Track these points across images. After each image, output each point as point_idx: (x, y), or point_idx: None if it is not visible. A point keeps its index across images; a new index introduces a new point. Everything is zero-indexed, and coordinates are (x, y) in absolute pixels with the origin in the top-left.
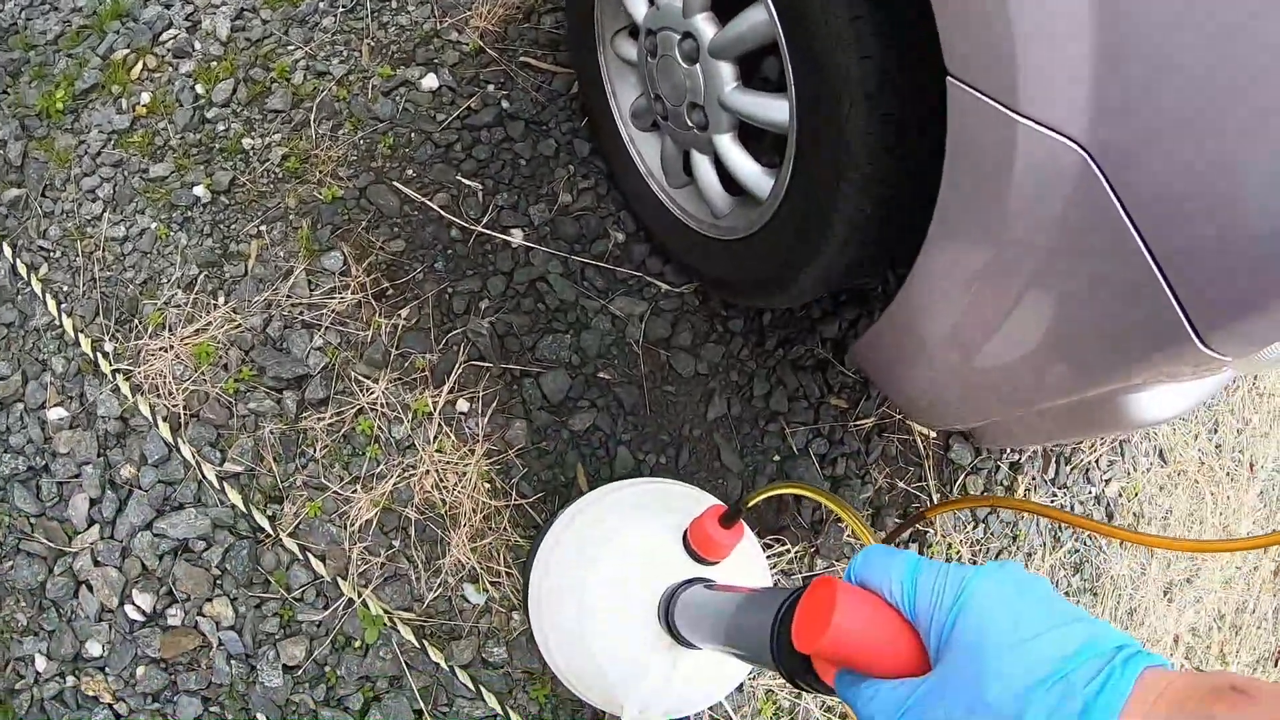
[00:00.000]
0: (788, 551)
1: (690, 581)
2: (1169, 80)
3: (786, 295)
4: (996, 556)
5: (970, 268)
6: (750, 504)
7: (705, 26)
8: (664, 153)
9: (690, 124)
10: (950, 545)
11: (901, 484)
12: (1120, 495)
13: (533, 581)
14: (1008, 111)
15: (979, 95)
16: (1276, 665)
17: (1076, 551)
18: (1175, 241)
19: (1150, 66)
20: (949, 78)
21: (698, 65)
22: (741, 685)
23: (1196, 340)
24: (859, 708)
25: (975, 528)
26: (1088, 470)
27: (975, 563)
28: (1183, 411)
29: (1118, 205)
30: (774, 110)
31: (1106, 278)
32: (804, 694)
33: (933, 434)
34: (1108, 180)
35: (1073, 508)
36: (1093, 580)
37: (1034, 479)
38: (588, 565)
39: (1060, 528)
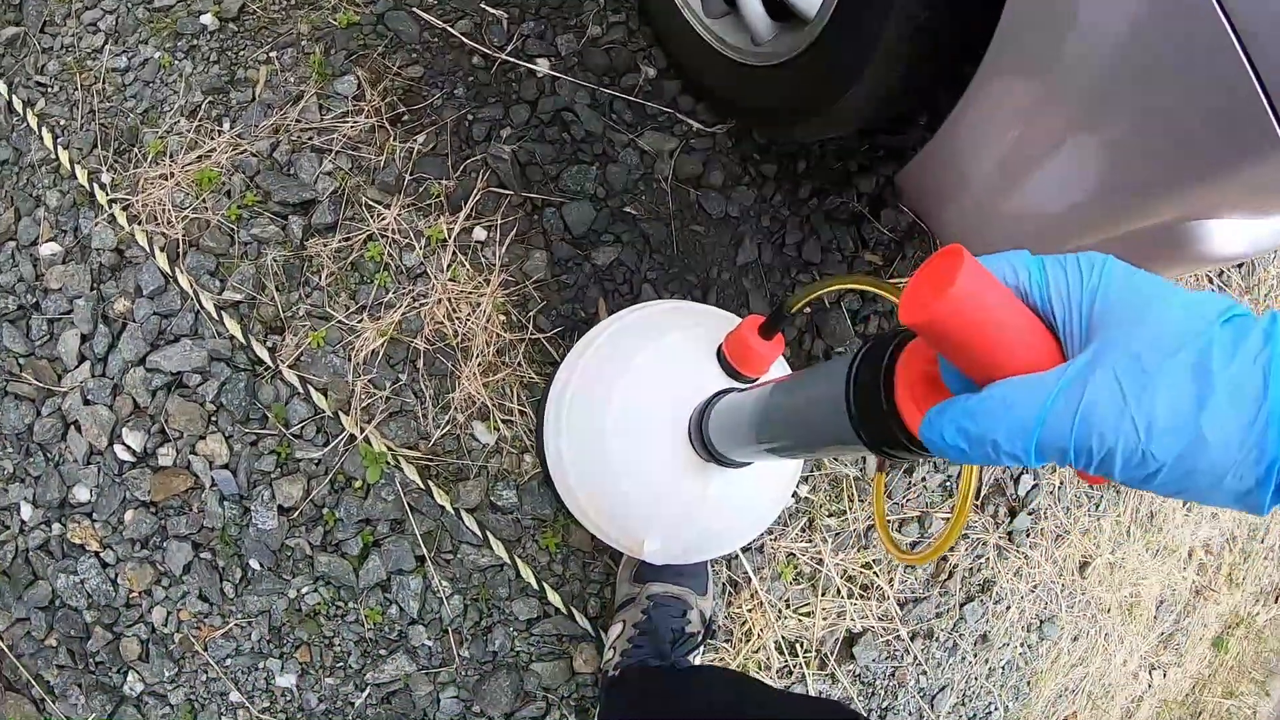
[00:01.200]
0: None
1: (723, 393)
2: None
3: (827, 122)
4: None
5: (1036, 78)
6: (796, 307)
7: None
8: None
9: None
10: None
11: None
12: None
13: (550, 405)
14: None
15: None
16: (1277, 601)
17: None
18: (1275, 34)
19: None
20: None
21: None
22: (762, 546)
23: None
24: (978, 422)
25: None
26: None
27: None
28: (1251, 251)
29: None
30: None
31: (1189, 78)
32: (824, 563)
33: None
34: None
35: None
36: None
37: None
38: (612, 381)
39: None
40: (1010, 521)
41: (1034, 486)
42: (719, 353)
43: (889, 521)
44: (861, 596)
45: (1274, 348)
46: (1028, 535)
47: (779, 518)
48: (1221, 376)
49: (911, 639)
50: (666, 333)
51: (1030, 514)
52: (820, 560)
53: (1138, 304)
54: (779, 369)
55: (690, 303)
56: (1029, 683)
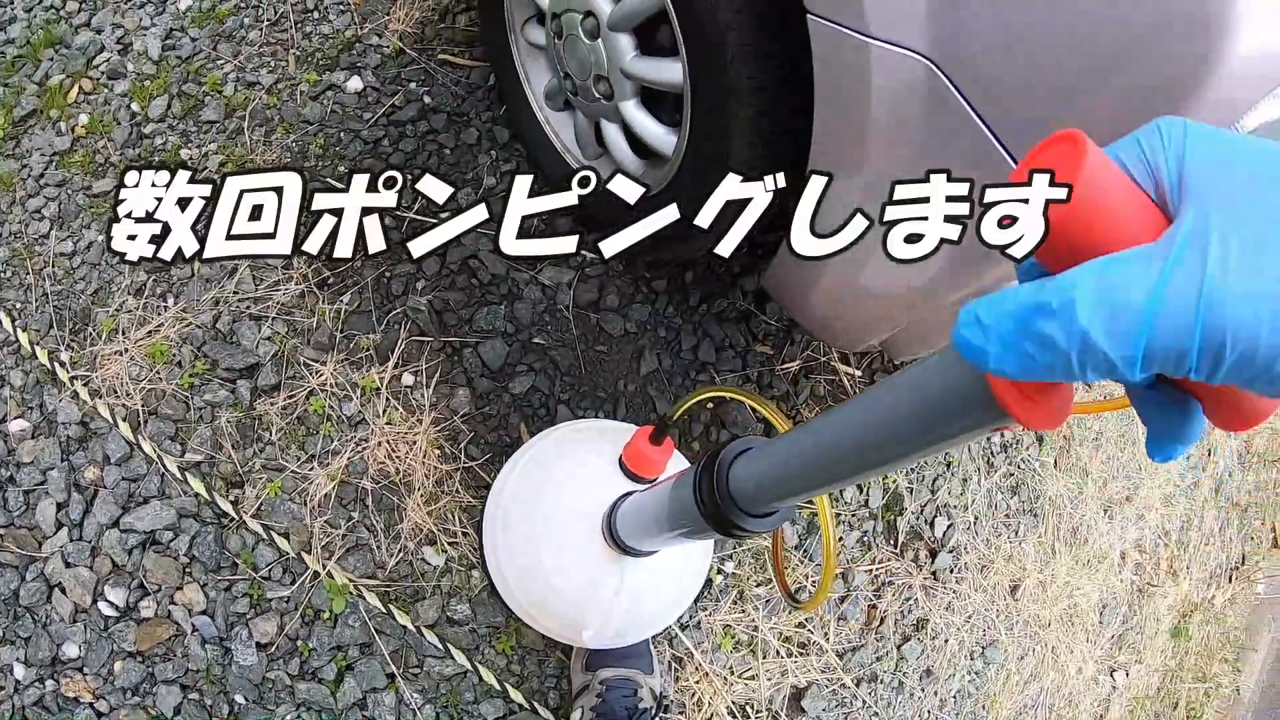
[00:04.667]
0: None
1: (627, 495)
2: None
3: (695, 243)
4: (933, 483)
5: (847, 187)
6: (674, 416)
7: (603, 4)
8: (577, 127)
9: (598, 95)
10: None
11: None
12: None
13: (486, 523)
14: (860, 36)
15: (835, 26)
16: (1231, 580)
17: (1011, 475)
18: (1014, 125)
19: None
20: (809, 15)
21: (599, 40)
22: (699, 622)
23: None
24: (1058, 314)
25: None
26: None
27: (910, 491)
28: None
29: (963, 102)
30: (670, 71)
31: (964, 172)
32: (759, 629)
33: (858, 372)
34: (952, 82)
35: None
36: (1031, 501)
37: None
38: (535, 499)
39: (993, 454)
40: (932, 562)
41: (950, 526)
42: (620, 461)
43: (810, 579)
44: (800, 654)
45: None
46: (952, 572)
47: (709, 594)
48: None
49: (857, 685)
50: (575, 450)
51: (951, 552)
52: (755, 627)
53: (1238, 160)
54: (675, 466)
55: (596, 420)
56: (984, 707)
